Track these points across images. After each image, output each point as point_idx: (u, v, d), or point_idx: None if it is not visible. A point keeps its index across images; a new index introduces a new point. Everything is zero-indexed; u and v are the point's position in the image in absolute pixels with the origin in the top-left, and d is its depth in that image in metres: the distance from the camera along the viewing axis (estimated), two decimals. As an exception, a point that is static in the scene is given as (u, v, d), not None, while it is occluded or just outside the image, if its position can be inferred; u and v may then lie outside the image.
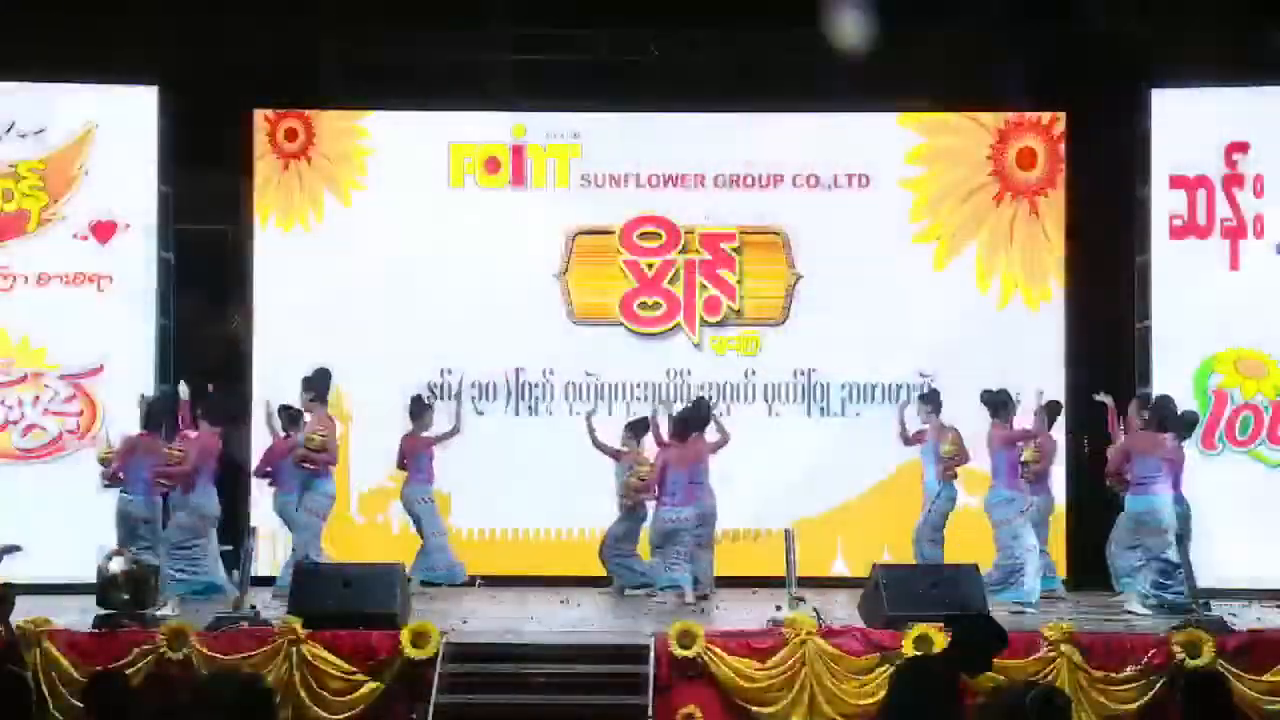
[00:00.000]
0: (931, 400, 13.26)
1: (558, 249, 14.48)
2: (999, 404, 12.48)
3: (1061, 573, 13.46)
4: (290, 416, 13.11)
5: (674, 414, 13.16)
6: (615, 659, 10.21)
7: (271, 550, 13.72)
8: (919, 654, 9.66)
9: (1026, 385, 12.88)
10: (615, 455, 13.40)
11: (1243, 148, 13.71)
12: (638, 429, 13.39)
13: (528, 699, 9.94)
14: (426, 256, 14.37)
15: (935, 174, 14.46)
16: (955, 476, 12.99)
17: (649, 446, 13.21)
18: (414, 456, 13.47)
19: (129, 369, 13.55)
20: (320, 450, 12.75)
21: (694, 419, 13.03)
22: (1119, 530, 12.38)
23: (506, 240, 14.43)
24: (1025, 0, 13.66)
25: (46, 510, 13.17)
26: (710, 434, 13.15)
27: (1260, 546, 13.07)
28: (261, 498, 13.67)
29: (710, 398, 13.95)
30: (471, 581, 13.69)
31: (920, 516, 13.00)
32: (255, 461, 13.53)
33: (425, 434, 13.51)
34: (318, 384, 12.95)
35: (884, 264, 14.34)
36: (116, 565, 10.82)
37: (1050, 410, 13.01)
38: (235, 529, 12.90)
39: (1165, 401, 12.33)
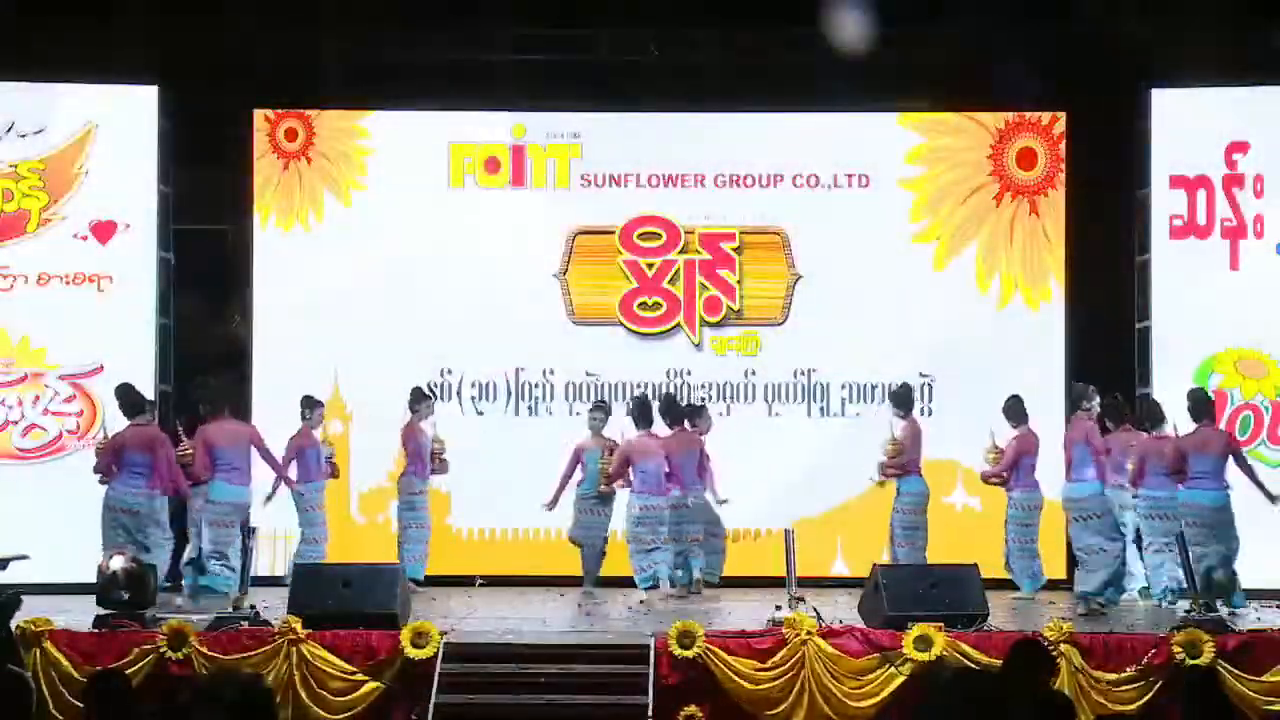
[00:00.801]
0: (901, 401, 13.24)
1: (558, 249, 14.47)
2: (1078, 396, 12.39)
3: (1061, 572, 13.48)
4: (309, 403, 13.14)
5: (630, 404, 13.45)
6: (615, 659, 10.19)
7: (271, 550, 13.73)
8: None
9: (1027, 386, 12.91)
10: (578, 453, 13.49)
11: (1243, 148, 13.70)
12: (604, 407, 13.61)
13: (528, 699, 9.93)
14: (426, 256, 14.37)
15: (935, 174, 14.46)
16: (899, 475, 13.00)
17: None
18: (408, 446, 13.46)
19: (129, 369, 13.49)
20: (188, 465, 12.44)
21: (647, 412, 13.15)
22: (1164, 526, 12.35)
23: (506, 240, 14.43)
24: (1025, 0, 13.66)
25: (46, 510, 13.17)
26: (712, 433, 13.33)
27: (1260, 546, 12.99)
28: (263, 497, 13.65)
29: (709, 397, 13.98)
30: (472, 581, 13.71)
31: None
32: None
33: (421, 424, 13.50)
34: (215, 396, 12.64)
35: (884, 264, 14.34)
36: (116, 565, 10.80)
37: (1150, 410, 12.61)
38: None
39: (1199, 395, 12.23)
